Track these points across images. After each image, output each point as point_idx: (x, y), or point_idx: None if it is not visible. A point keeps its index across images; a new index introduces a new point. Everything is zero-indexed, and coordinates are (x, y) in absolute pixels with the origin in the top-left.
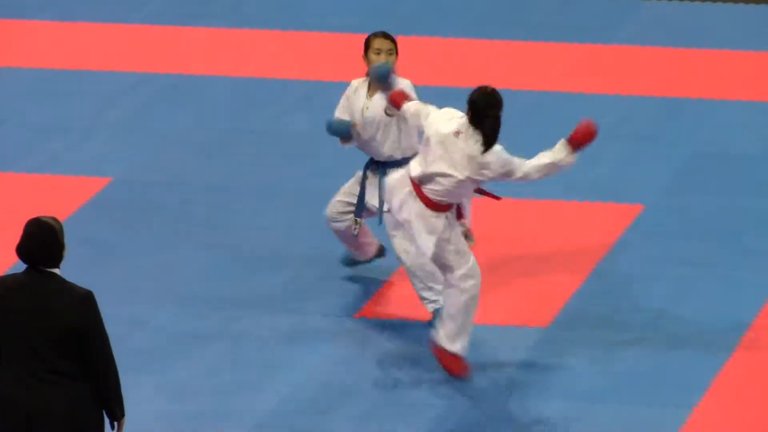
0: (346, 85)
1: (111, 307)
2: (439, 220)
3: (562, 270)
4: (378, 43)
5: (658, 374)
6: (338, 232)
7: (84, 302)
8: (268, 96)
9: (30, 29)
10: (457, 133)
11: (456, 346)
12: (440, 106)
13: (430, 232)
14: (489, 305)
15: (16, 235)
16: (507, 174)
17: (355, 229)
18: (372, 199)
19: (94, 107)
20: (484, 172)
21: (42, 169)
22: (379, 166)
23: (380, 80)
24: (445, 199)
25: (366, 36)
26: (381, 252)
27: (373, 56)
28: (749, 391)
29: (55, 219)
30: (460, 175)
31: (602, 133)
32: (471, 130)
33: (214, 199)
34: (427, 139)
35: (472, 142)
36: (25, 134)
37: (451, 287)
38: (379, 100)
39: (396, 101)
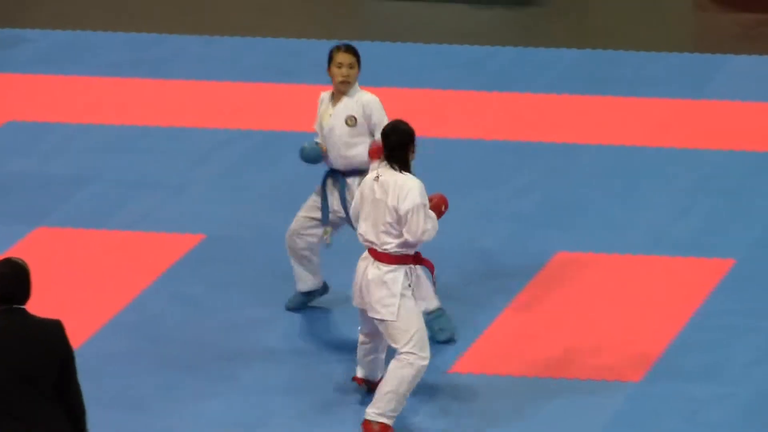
0: (444, 141)
1: (203, 364)
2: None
3: (654, 324)
4: (340, 57)
5: (753, 427)
6: (296, 251)
7: (62, 330)
8: None
9: (121, 86)
10: (377, 178)
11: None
12: (527, 161)
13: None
14: (581, 359)
15: (112, 293)
16: (411, 214)
17: (326, 238)
18: (335, 206)
19: (186, 164)
20: (400, 206)
21: (135, 226)
22: (339, 175)
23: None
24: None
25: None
26: (324, 289)
27: (334, 69)
28: None
29: (23, 260)
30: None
31: (692, 187)
32: (387, 165)
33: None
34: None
35: (392, 175)
36: (118, 191)
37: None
38: (342, 109)
39: (372, 156)
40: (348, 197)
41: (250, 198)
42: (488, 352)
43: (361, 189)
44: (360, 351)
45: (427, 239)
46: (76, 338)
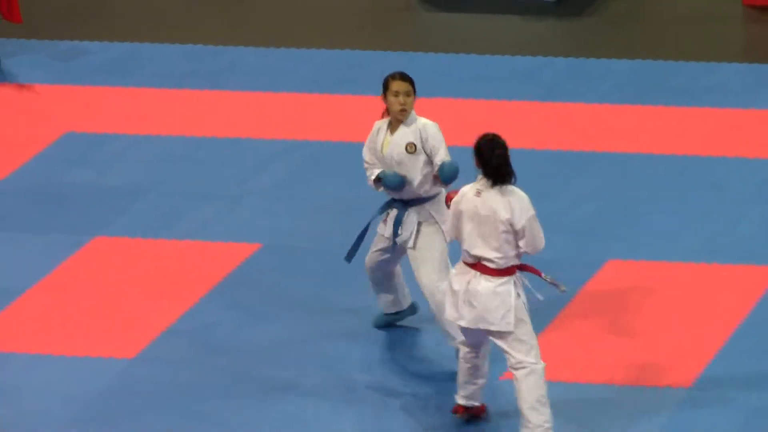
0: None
1: (259, 372)
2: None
3: (704, 331)
4: (396, 86)
5: None
6: (376, 282)
7: None
8: None
9: (178, 98)
10: (478, 193)
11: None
12: (581, 171)
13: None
14: (633, 366)
15: (168, 302)
16: (528, 227)
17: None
18: (387, 232)
19: (242, 174)
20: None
21: (191, 236)
22: (400, 204)
23: (447, 181)
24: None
25: (519, 102)
26: (413, 309)
27: (391, 98)
28: None
29: None
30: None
31: (744, 196)
32: (487, 181)
33: (359, 264)
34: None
35: (495, 190)
36: (175, 201)
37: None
38: (400, 138)
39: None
40: (407, 225)
41: (306, 208)
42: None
43: (456, 206)
44: (462, 375)
45: (542, 248)
46: (133, 346)
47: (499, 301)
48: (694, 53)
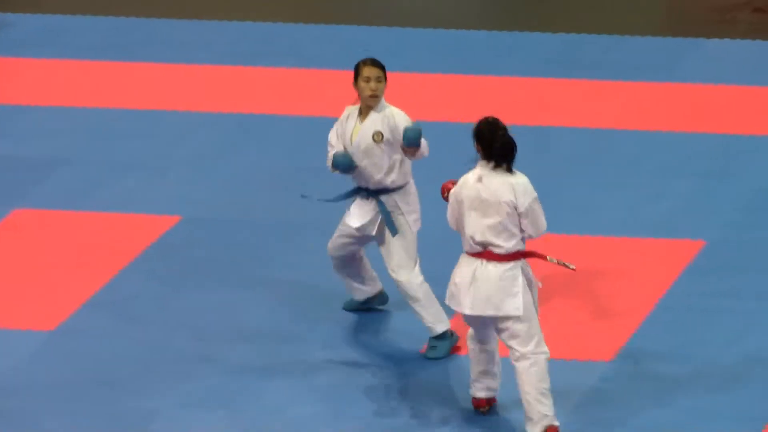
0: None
1: (179, 343)
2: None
3: (626, 305)
4: (367, 71)
5: (721, 408)
6: (340, 267)
7: None
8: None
9: (97, 69)
10: (479, 179)
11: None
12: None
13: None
14: (554, 340)
15: (88, 274)
16: (531, 208)
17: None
18: (352, 221)
19: (162, 147)
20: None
21: (111, 208)
22: (368, 193)
23: (411, 144)
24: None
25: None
26: (382, 298)
27: (362, 83)
28: None
29: None
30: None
31: (665, 170)
32: (486, 163)
33: (280, 236)
34: (462, 215)
35: (497, 174)
36: (93, 173)
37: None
38: (369, 125)
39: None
40: (371, 216)
41: (226, 181)
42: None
43: (457, 193)
44: (476, 368)
45: (544, 231)
46: (54, 318)
47: (507, 286)
48: (615, 26)
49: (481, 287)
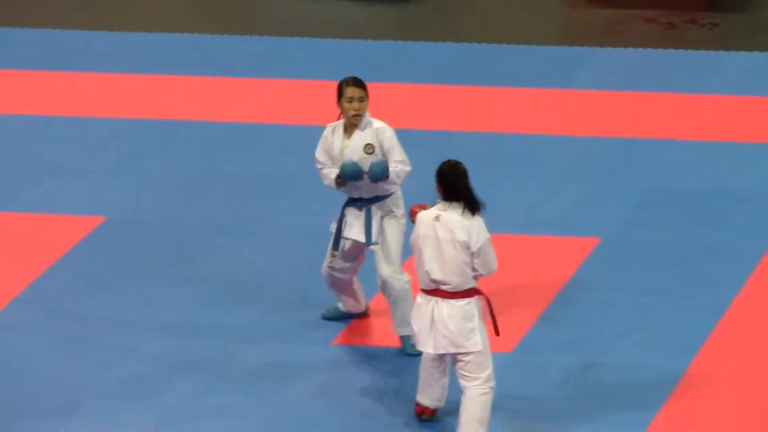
0: (321, 128)
1: (103, 337)
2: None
3: (524, 299)
4: (350, 92)
5: (615, 396)
6: (336, 289)
7: None
8: (248, 140)
9: (24, 78)
10: (437, 218)
11: None
12: (409, 146)
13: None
14: None
15: (15, 272)
16: (483, 249)
17: (331, 261)
18: (354, 234)
19: (86, 151)
20: (470, 240)
21: (37, 209)
22: (361, 202)
23: (376, 179)
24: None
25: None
26: (365, 312)
27: (345, 104)
28: (700, 409)
29: None
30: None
31: (560, 171)
32: (446, 204)
33: (198, 236)
34: (420, 251)
35: (454, 214)
36: (19, 176)
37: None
38: (358, 140)
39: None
40: (373, 224)
41: (149, 183)
42: (364, 327)
43: (418, 228)
44: (426, 380)
45: (495, 270)
46: None
47: (465, 323)
48: (515, 37)
49: (440, 328)
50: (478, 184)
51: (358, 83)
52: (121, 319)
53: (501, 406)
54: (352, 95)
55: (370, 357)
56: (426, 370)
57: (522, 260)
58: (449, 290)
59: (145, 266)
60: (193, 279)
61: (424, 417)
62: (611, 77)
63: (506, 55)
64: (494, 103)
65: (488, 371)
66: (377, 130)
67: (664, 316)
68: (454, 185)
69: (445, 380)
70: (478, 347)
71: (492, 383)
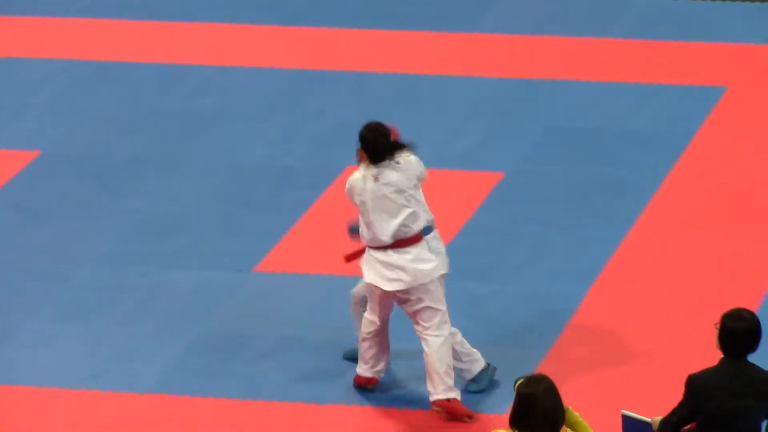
0: (243, 70)
1: (39, 266)
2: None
3: None
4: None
5: (518, 320)
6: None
7: None
8: (173, 80)
9: None
10: (376, 178)
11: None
12: (324, 85)
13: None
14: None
15: None
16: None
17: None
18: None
19: (21, 91)
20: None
21: None
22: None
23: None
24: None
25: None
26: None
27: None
28: (598, 332)
29: None
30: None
31: (466, 111)
32: (375, 165)
33: (129, 170)
34: (367, 212)
35: (389, 168)
36: None
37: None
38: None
39: (351, 259)
40: None
41: (81, 120)
42: (291, 252)
43: (360, 197)
44: (368, 351)
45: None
46: None
47: (419, 258)
48: None
49: (399, 266)
50: (386, 120)
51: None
52: (56, 249)
53: (407, 325)
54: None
55: (291, 283)
56: (368, 338)
57: (430, 193)
58: (407, 237)
59: (79, 198)
60: (123, 210)
61: (366, 386)
62: (515, 21)
63: (416, 0)
64: (404, 46)
65: (438, 318)
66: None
67: (564, 246)
68: (376, 147)
69: (388, 352)
70: (444, 269)
71: (444, 332)
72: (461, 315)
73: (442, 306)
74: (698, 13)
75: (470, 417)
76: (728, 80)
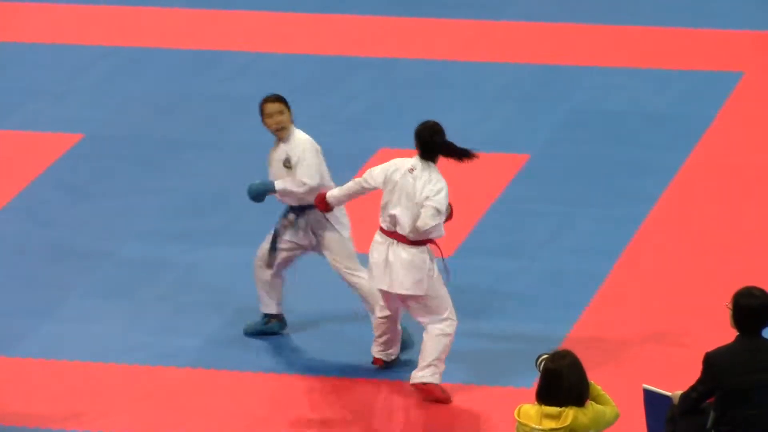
0: (277, 56)
1: (85, 243)
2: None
3: (463, 208)
4: (268, 108)
5: (544, 295)
6: (261, 279)
7: None
8: (213, 65)
9: (5, 9)
10: (411, 170)
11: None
12: (355, 72)
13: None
14: None
15: (2, 184)
16: (427, 205)
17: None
18: (296, 238)
19: (64, 76)
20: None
21: (22, 127)
22: (296, 210)
23: (253, 198)
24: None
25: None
26: (282, 322)
27: (267, 120)
28: (622, 308)
29: None
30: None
31: (493, 95)
32: (423, 163)
33: (169, 152)
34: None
35: (426, 174)
36: (2, 99)
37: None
38: (279, 155)
39: (320, 205)
40: (300, 231)
41: (122, 104)
42: None
43: (392, 178)
44: (383, 333)
45: (426, 233)
46: None
47: (416, 269)
48: None
49: (395, 269)
50: (417, 106)
51: (275, 99)
52: (101, 226)
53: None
54: (270, 111)
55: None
56: (379, 321)
57: (458, 174)
58: (403, 233)
59: (121, 178)
60: (163, 190)
61: (379, 366)
62: (540, 9)
63: None
64: (433, 33)
65: (446, 312)
66: (294, 143)
67: (588, 224)
68: (428, 143)
69: (399, 336)
70: (423, 292)
71: (454, 322)
72: (488, 291)
73: (444, 302)
74: (716, 1)
75: (446, 401)
76: (745, 66)
